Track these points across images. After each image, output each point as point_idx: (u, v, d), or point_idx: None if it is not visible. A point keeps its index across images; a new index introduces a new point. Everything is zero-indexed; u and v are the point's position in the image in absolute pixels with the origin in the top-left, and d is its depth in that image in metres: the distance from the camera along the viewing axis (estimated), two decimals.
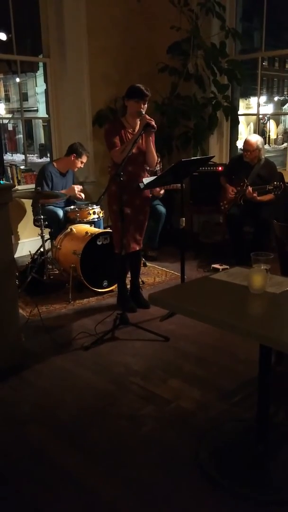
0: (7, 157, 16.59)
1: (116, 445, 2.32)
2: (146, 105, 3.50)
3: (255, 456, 2.15)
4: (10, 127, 20.74)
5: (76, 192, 4.79)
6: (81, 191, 4.87)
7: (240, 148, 5.19)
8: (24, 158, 6.81)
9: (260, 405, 2.14)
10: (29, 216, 5.17)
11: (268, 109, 23.70)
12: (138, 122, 3.57)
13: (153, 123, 3.41)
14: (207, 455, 2.20)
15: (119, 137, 3.53)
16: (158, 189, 4.91)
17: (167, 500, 1.97)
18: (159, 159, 5.38)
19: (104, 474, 2.12)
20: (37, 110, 20.70)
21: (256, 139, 4.73)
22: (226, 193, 4.91)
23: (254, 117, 7.03)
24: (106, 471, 2.14)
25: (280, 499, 1.97)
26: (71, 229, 4.36)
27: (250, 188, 4.60)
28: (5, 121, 15.77)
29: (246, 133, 15.87)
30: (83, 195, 4.88)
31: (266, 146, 18.11)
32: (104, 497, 1.99)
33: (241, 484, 2.02)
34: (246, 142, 4.73)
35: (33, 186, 5.09)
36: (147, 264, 5.10)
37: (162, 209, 5.24)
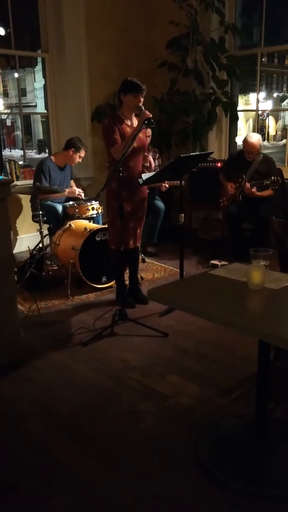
0: (6, 152, 16.54)
1: (115, 440, 2.32)
2: (142, 99, 3.50)
3: (254, 452, 2.16)
4: (8, 123, 20.67)
5: (76, 194, 4.80)
6: (81, 191, 4.89)
7: (240, 145, 5.18)
8: (22, 153, 6.78)
9: (259, 401, 2.15)
10: (28, 211, 5.16)
11: (267, 105, 23.60)
12: (134, 116, 3.58)
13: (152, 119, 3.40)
14: (206, 451, 2.20)
15: (118, 131, 3.52)
16: (165, 184, 4.94)
17: (166, 495, 1.98)
18: (157, 155, 5.39)
19: (103, 470, 2.12)
20: (35, 106, 20.61)
21: (256, 138, 4.71)
22: (226, 189, 4.90)
23: (253, 113, 7.02)
24: (105, 466, 2.15)
25: (279, 494, 1.98)
26: (70, 224, 4.36)
27: (248, 184, 4.59)
28: (4, 117, 15.73)
29: (245, 129, 15.82)
30: (83, 195, 4.88)
31: (265, 143, 18.07)
32: (103, 492, 2.00)
33: (240, 479, 2.02)
34: (249, 145, 4.69)
35: (31, 181, 5.08)
36: (146, 260, 5.09)
37: (161, 205, 5.24)
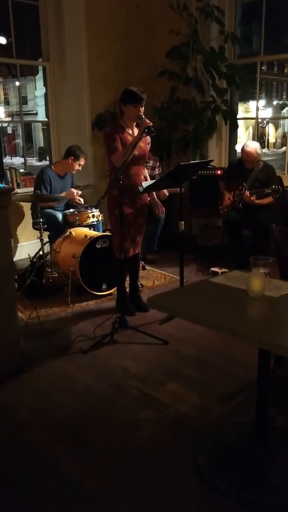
0: (6, 160, 16.60)
1: (115, 448, 2.32)
2: (143, 108, 3.52)
3: (254, 460, 2.16)
4: (9, 131, 20.77)
5: (75, 195, 4.81)
6: (80, 195, 4.90)
7: (239, 152, 5.20)
8: (23, 161, 6.81)
9: (258, 409, 2.15)
10: (28, 219, 5.18)
11: (267, 113, 23.72)
12: (135, 125, 3.61)
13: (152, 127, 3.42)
14: (206, 458, 2.20)
15: (120, 139, 3.53)
16: (164, 191, 4.94)
17: (166, 504, 1.97)
18: (158, 163, 5.41)
19: (103, 478, 2.12)
20: (36, 114, 20.74)
21: (254, 146, 4.72)
22: (224, 199, 4.92)
23: (253, 121, 7.06)
24: (104, 474, 2.14)
25: (279, 502, 1.97)
26: (70, 232, 4.37)
27: (247, 192, 4.60)
28: (5, 125, 15.79)
29: (245, 137, 15.88)
30: (82, 200, 4.90)
31: (265, 150, 18.12)
32: (102, 500, 1.99)
33: (240, 487, 2.02)
34: (246, 153, 4.70)
35: (32, 189, 5.10)
36: (146, 267, 5.10)
37: None
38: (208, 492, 2.02)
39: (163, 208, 4.10)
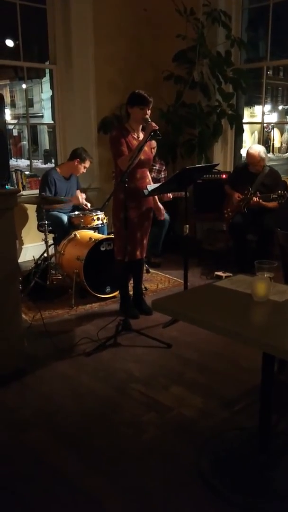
0: (12, 162, 16.62)
1: (117, 451, 2.31)
2: (149, 111, 3.53)
3: (257, 465, 2.15)
4: (15, 133, 20.82)
5: (80, 201, 4.83)
6: (85, 199, 4.92)
7: (244, 157, 5.21)
8: (29, 163, 6.83)
9: (262, 414, 2.14)
10: (33, 221, 5.19)
11: (273, 117, 23.67)
12: (140, 129, 3.62)
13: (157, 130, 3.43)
14: (208, 463, 2.19)
15: (126, 143, 3.55)
16: (169, 194, 4.95)
17: (167, 508, 1.96)
18: (163, 167, 5.41)
19: (105, 481, 2.11)
20: (42, 116, 20.76)
21: (257, 149, 4.72)
22: (231, 200, 4.91)
23: (259, 125, 7.06)
24: (107, 478, 2.13)
25: (282, 508, 1.96)
26: (75, 234, 4.37)
27: (255, 198, 4.59)
28: (11, 127, 15.83)
29: (250, 141, 15.86)
30: (89, 205, 4.91)
31: (270, 155, 18.11)
32: (104, 504, 1.99)
33: (242, 493, 2.01)
34: (250, 156, 4.71)
35: (37, 191, 5.11)
36: (150, 270, 5.10)
37: (165, 215, 5.25)
38: (210, 497, 2.01)
39: (164, 212, 4.10)
